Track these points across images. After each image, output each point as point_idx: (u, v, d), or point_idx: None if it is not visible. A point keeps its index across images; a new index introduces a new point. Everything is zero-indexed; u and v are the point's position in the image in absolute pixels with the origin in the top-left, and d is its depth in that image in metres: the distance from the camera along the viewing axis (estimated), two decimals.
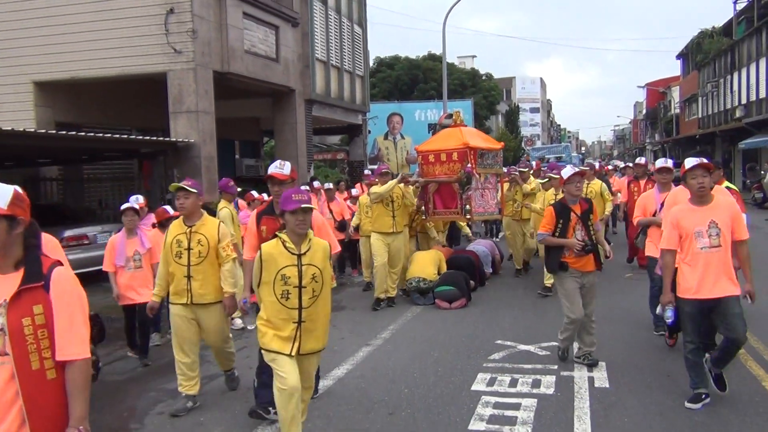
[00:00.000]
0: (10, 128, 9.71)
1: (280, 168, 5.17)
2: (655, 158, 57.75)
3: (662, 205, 6.51)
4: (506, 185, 11.00)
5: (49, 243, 3.89)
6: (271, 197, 5.36)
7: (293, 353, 4.11)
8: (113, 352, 7.21)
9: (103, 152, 13.58)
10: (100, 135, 11.75)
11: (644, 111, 74.70)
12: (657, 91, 62.01)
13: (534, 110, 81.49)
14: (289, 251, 4.07)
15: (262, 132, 23.44)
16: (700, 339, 5.03)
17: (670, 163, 7.38)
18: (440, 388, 5.65)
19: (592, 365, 6.02)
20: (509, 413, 5.01)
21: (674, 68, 54.59)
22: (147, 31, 13.07)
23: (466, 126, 10.95)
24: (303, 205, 4.01)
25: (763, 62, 29.79)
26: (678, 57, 51.49)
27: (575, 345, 6.28)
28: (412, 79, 44.32)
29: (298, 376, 4.13)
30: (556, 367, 6.09)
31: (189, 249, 5.35)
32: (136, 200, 7.16)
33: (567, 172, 6.11)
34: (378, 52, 31.55)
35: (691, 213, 5.00)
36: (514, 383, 5.69)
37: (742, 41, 33.32)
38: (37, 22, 13.57)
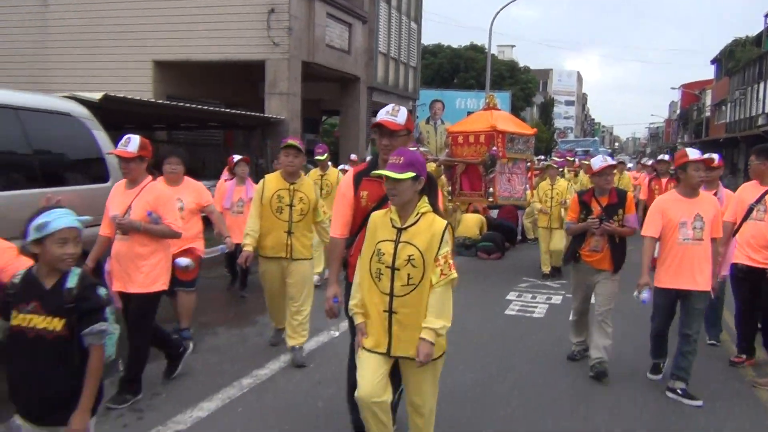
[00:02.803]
0: (138, 98, 12.21)
1: (392, 115, 3.75)
2: None
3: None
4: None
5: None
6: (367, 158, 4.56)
7: (385, 350, 3.30)
8: None
9: (206, 122, 16.59)
10: (214, 109, 14.79)
11: (678, 111, 75.92)
12: (691, 93, 63.44)
13: (569, 103, 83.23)
14: (391, 223, 3.31)
15: (322, 111, 26.38)
16: (665, 325, 5.24)
17: (716, 156, 6.19)
18: (485, 296, 8.54)
19: (600, 376, 5.34)
20: (530, 309, 7.96)
21: (709, 72, 56.16)
22: (250, 25, 16.04)
23: (499, 110, 10.89)
24: (380, 172, 3.28)
25: None
26: (712, 62, 53.23)
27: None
28: (454, 68, 46.70)
29: (380, 384, 3.28)
30: (564, 292, 8.91)
31: (291, 206, 5.42)
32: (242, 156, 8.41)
33: (596, 163, 5.62)
34: (423, 39, 33.60)
35: (677, 203, 5.00)
36: (534, 297, 8.60)
37: None
38: (159, 11, 16.58)
